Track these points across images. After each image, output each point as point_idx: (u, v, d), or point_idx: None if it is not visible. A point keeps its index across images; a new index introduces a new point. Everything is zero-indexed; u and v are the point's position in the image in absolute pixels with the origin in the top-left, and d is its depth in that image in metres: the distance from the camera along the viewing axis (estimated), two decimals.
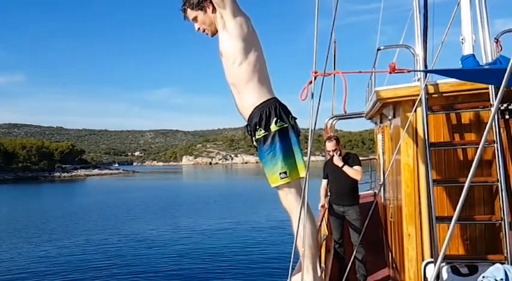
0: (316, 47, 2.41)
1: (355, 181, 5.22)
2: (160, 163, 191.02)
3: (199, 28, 2.37)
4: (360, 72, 2.60)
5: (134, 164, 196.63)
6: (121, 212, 23.93)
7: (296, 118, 2.35)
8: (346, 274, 3.49)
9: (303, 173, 2.23)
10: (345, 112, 2.40)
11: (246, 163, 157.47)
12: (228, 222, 18.17)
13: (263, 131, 2.21)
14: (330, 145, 5.20)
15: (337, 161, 5.12)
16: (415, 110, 3.46)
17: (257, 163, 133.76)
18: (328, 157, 5.41)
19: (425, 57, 3.47)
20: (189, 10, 2.34)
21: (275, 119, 2.21)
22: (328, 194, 5.52)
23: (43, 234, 17.29)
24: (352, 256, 4.19)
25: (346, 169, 5.08)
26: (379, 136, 5.84)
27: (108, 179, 71.07)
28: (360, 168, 5.16)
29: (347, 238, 5.39)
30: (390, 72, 2.39)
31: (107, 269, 11.39)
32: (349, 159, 5.21)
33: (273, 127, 2.19)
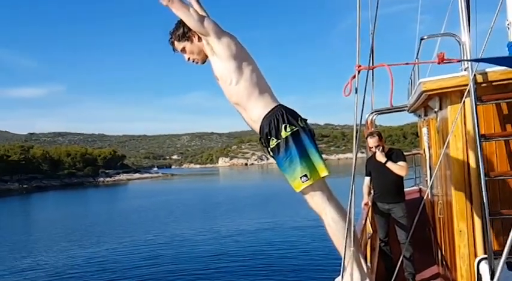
0: (359, 40, 2.36)
1: (400, 177, 5.07)
2: (197, 166, 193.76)
3: (189, 58, 2.40)
4: (407, 64, 2.51)
5: (172, 167, 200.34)
6: (163, 214, 24.45)
7: (306, 119, 2.33)
8: (396, 272, 3.39)
9: (324, 172, 2.20)
10: (392, 106, 2.32)
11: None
12: (267, 222, 18.18)
13: (275, 140, 2.20)
14: (372, 141, 5.07)
15: (380, 157, 4.99)
16: (464, 101, 3.32)
17: None
18: (371, 154, 5.28)
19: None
20: (176, 42, 2.38)
21: (284, 125, 2.19)
22: (372, 192, 5.39)
23: (91, 236, 17.90)
24: (401, 255, 4.07)
25: (390, 165, 4.95)
26: (424, 130, 5.65)
27: (148, 183, 72.78)
28: (405, 163, 5.01)
29: (393, 236, 5.26)
30: (439, 63, 2.30)
31: (151, 268, 11.71)
32: (393, 154, 5.07)
33: (284, 133, 2.18)
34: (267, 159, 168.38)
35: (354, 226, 2.22)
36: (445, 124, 3.92)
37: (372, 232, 5.31)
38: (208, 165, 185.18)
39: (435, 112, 4.31)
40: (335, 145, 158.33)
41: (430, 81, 3.61)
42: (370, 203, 5.39)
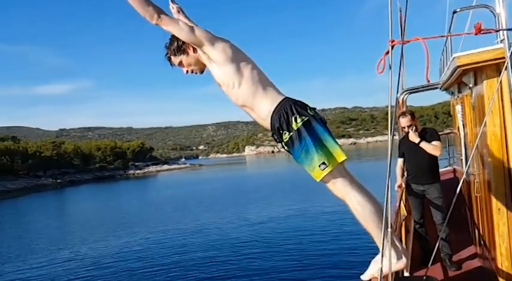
0: (391, 13, 2.29)
1: (435, 157, 4.96)
2: (224, 155, 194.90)
3: (187, 71, 2.42)
4: (442, 36, 2.42)
5: (200, 157, 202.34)
6: (193, 204, 24.82)
7: (315, 108, 2.30)
8: (433, 254, 3.33)
9: (341, 157, 2.18)
10: (428, 80, 2.23)
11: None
12: (297, 208, 18.21)
13: (288, 133, 2.19)
14: (404, 121, 4.96)
15: (414, 138, 4.88)
16: (500, 75, 3.20)
17: None
18: (403, 134, 5.17)
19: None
20: (172, 57, 2.40)
21: (294, 116, 2.18)
22: (405, 173, 5.29)
23: (125, 227, 18.37)
24: (437, 236, 4.00)
25: (423, 145, 4.84)
26: (458, 107, 5.50)
27: (177, 174, 73.85)
28: (439, 143, 4.89)
29: (428, 217, 5.16)
30: (476, 34, 2.20)
31: (184, 255, 11.99)
32: (426, 134, 4.95)
33: (295, 125, 2.17)
34: None
35: (387, 208, 2.19)
36: (480, 100, 3.80)
37: (406, 214, 5.23)
38: (235, 154, 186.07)
39: (470, 88, 4.18)
40: (364, 128, 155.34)
41: (465, 55, 3.49)
42: (403, 185, 5.30)
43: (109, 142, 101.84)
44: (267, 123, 2.31)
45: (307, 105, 2.26)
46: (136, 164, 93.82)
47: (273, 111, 2.24)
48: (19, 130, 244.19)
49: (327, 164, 2.14)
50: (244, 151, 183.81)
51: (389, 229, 2.16)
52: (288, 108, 2.21)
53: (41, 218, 26.12)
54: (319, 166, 2.14)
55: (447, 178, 7.16)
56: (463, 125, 5.24)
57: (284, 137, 2.21)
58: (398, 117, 5.13)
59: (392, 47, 2.29)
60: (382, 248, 2.07)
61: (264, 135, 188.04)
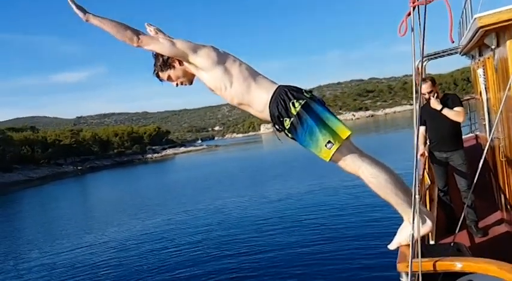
0: None
1: (458, 124, 4.85)
2: (240, 135, 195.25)
3: (177, 84, 2.46)
4: None
5: (216, 138, 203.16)
6: (212, 184, 25.06)
7: (311, 91, 2.27)
8: (460, 221, 3.28)
9: (345, 133, 2.16)
10: (453, 41, 2.15)
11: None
12: (316, 183, 18.20)
13: (288, 120, 2.18)
14: (425, 87, 4.84)
15: (435, 104, 4.77)
16: None
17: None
18: (424, 101, 5.06)
19: None
20: (160, 73, 2.43)
21: (291, 102, 2.17)
22: (427, 141, 5.21)
23: (147, 210, 18.69)
24: (462, 203, 3.94)
25: (446, 111, 4.73)
26: (480, 71, 5.34)
27: (194, 155, 74.48)
28: (462, 109, 4.77)
29: (452, 184, 5.10)
30: None
31: (206, 234, 12.22)
32: (448, 100, 4.83)
33: (294, 110, 2.16)
34: None
35: (415, 176, 2.15)
36: (503, 62, 3.67)
37: (429, 183, 5.17)
38: (251, 133, 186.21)
39: (492, 50, 4.04)
40: (381, 99, 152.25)
41: (486, 15, 3.36)
42: (426, 154, 5.23)
43: (126, 127, 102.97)
44: (265, 116, 2.31)
45: (302, 89, 2.25)
46: (153, 148, 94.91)
47: (270, 101, 2.23)
48: (37, 120, 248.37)
49: (333, 142, 2.13)
50: (259, 129, 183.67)
51: (416, 195, 2.12)
52: (284, 95, 2.20)
53: (64, 205, 26.77)
54: (326, 145, 2.13)
55: (470, 144, 7.03)
56: (486, 89, 5.09)
57: (286, 124, 2.20)
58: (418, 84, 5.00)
59: (413, 8, 2.20)
60: (413, 211, 2.04)
61: None
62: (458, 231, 3.58)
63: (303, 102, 2.17)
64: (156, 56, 2.40)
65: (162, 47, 2.27)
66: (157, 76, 2.46)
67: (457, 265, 1.99)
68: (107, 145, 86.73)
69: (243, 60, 2.38)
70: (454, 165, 4.91)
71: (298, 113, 2.15)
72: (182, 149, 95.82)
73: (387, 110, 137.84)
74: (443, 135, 4.89)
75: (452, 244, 2.54)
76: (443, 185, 5.07)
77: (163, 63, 2.38)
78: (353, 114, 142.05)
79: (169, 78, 2.45)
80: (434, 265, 2.00)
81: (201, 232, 12.67)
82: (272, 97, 2.23)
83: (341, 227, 10.68)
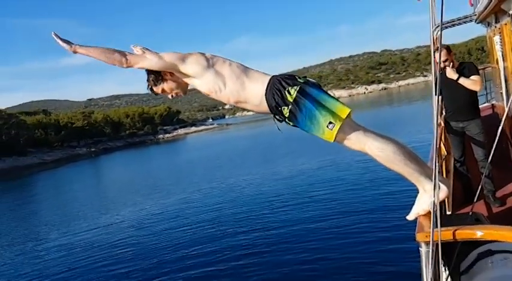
0: None
1: (474, 93, 4.72)
2: (251, 112, 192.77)
3: (172, 95, 2.52)
4: None
5: (226, 117, 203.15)
6: (224, 162, 25.18)
7: (305, 76, 2.32)
8: (477, 192, 3.21)
9: (345, 112, 2.17)
10: (471, 4, 2.04)
11: (338, 98, 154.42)
12: (328, 159, 18.13)
13: (286, 108, 2.20)
14: (440, 56, 4.70)
15: (451, 74, 4.63)
16: None
17: (350, 96, 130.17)
18: (440, 71, 4.91)
19: None
20: (154, 88, 2.48)
21: (286, 90, 2.18)
22: (443, 111, 5.09)
23: (160, 190, 18.88)
24: (481, 174, 3.86)
25: (462, 80, 4.60)
26: (496, 38, 5.16)
27: (206, 135, 74.73)
28: (478, 77, 4.63)
29: (469, 155, 5.00)
30: None
31: (220, 211, 12.36)
32: (464, 69, 4.69)
33: (290, 97, 2.17)
34: None
35: (433, 145, 2.10)
36: None
37: (446, 153, 5.07)
38: None
39: (509, 15, 3.88)
40: (394, 71, 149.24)
41: None
42: (442, 124, 5.12)
43: (137, 108, 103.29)
44: (264, 108, 2.31)
45: (295, 76, 2.27)
46: (164, 128, 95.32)
47: (265, 93, 2.26)
48: (49, 103, 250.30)
49: (334, 122, 2.13)
50: None
51: (436, 163, 2.07)
52: (278, 84, 2.21)
53: (79, 186, 27.18)
54: (327, 126, 2.15)
55: (486, 114, 6.87)
56: (503, 56, 4.93)
57: (284, 112, 2.21)
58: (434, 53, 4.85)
59: None
60: (434, 176, 2.00)
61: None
62: (476, 201, 3.52)
63: (298, 88, 2.17)
64: (148, 71, 2.45)
65: (151, 62, 2.32)
66: (152, 91, 2.51)
67: (478, 233, 1.95)
68: (118, 126, 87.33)
69: (232, 60, 2.40)
70: (470, 135, 4.81)
71: (295, 99, 2.16)
72: (193, 128, 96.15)
73: (400, 83, 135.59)
74: (460, 104, 4.77)
75: (470, 214, 2.49)
76: (460, 155, 4.97)
77: (155, 78, 2.43)
78: (366, 88, 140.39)
79: (163, 91, 2.49)
80: (454, 234, 1.96)
81: (214, 210, 12.78)
82: (267, 88, 2.24)
83: (356, 202, 10.66)
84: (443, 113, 5.06)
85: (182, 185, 19.14)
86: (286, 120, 2.27)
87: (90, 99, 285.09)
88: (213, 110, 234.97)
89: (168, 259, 9.01)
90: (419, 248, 2.05)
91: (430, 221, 1.98)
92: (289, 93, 2.17)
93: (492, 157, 4.91)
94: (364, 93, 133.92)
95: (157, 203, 15.63)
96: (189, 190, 17.32)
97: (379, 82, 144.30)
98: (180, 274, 7.93)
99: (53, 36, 2.29)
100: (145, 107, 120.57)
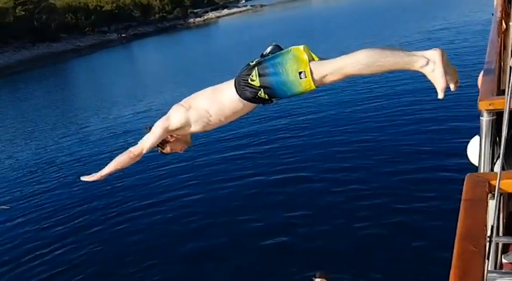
0: None
1: None
2: None
3: (181, 149, 2.64)
4: None
5: None
6: (257, 47, 24.26)
7: (255, 59, 2.32)
8: None
9: (301, 53, 2.16)
10: None
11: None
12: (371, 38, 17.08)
13: (260, 91, 2.22)
14: None
15: None
16: None
17: None
18: None
19: None
20: (163, 151, 2.59)
21: (248, 79, 2.23)
22: None
23: (193, 77, 18.74)
24: None
25: None
26: None
27: (238, 18, 72.03)
28: None
29: None
30: None
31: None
32: None
33: (256, 82, 2.21)
34: None
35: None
36: None
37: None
38: None
39: None
40: None
41: None
42: None
43: None
44: (249, 105, 2.35)
45: (247, 63, 2.32)
46: (195, 11, 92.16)
47: (239, 95, 2.29)
48: None
49: (302, 69, 2.13)
50: None
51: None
52: (242, 80, 2.27)
53: (114, 72, 27.35)
54: (301, 78, 2.13)
55: None
56: None
57: (263, 96, 2.24)
58: None
59: None
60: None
61: None
62: None
63: (255, 71, 2.21)
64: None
65: (151, 142, 2.47)
66: (162, 153, 2.65)
67: None
68: (148, 9, 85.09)
69: (200, 90, 2.51)
70: None
71: (260, 81, 2.20)
72: (225, 11, 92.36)
73: None
74: None
75: None
76: None
77: (160, 143, 2.55)
78: None
79: (172, 149, 2.62)
80: None
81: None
82: (237, 91, 2.30)
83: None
84: None
85: (215, 71, 18.68)
86: (271, 99, 2.30)
87: None
88: None
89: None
90: (480, 118, 2.01)
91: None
92: (252, 80, 2.22)
93: None
94: None
95: (189, 89, 15.45)
96: (222, 75, 16.88)
97: None
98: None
99: (83, 179, 2.49)
100: None
